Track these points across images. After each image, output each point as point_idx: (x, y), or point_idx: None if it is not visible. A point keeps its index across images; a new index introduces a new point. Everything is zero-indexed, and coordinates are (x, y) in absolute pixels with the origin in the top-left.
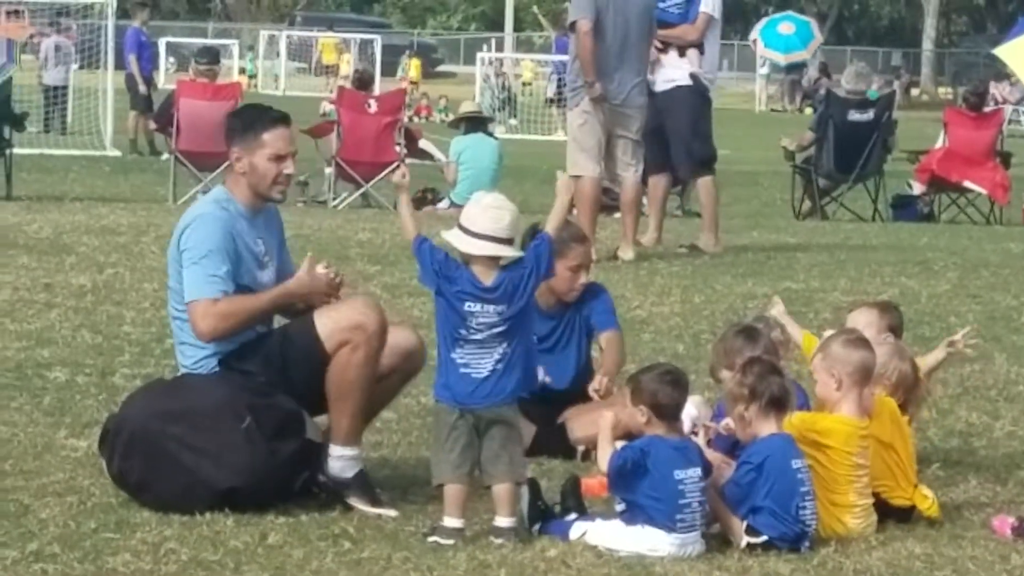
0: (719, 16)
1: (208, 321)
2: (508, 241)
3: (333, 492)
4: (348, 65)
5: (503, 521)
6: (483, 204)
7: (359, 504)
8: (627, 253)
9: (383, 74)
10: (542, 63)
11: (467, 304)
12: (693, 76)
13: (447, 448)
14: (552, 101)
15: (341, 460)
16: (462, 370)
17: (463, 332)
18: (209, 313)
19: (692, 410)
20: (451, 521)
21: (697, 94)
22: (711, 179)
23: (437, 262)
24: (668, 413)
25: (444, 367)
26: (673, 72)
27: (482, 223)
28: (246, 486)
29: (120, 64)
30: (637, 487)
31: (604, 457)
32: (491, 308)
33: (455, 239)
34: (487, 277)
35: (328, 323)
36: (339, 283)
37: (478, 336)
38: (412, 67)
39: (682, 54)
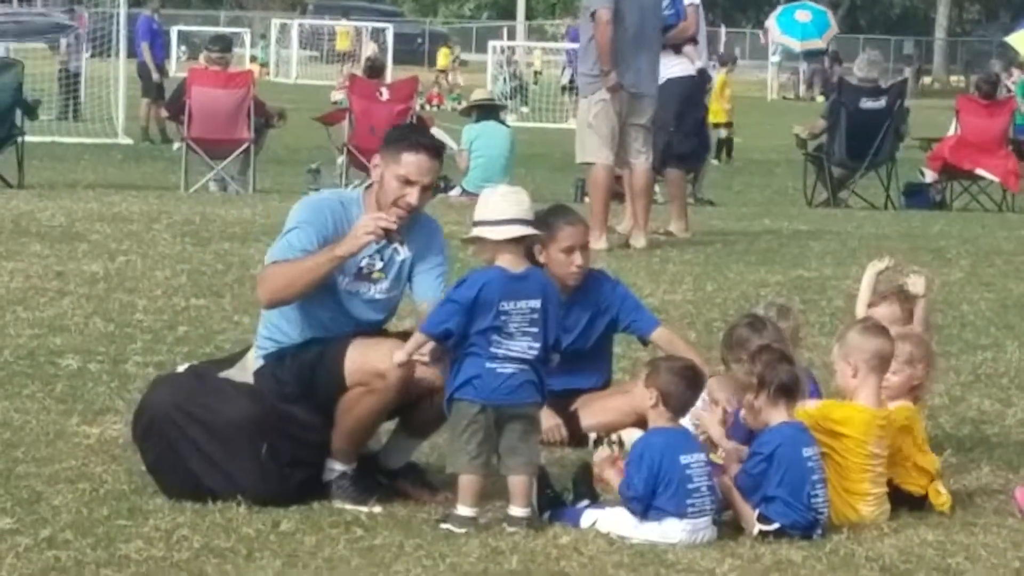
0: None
1: (263, 284)
2: (530, 222)
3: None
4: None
5: (518, 511)
6: (499, 192)
7: (343, 504)
8: (639, 241)
9: (395, 62)
10: (552, 51)
11: (502, 303)
12: (702, 71)
13: (464, 439)
14: (566, 89)
15: (332, 472)
16: (488, 364)
17: (495, 329)
18: (265, 275)
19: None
20: (465, 510)
21: (693, 87)
22: (680, 173)
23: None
24: (675, 406)
25: (465, 367)
26: (668, 70)
27: (505, 209)
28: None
29: (132, 52)
30: (649, 478)
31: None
32: (524, 304)
33: (485, 233)
34: (517, 266)
35: (356, 358)
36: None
37: (510, 331)
38: (441, 55)
39: (677, 51)
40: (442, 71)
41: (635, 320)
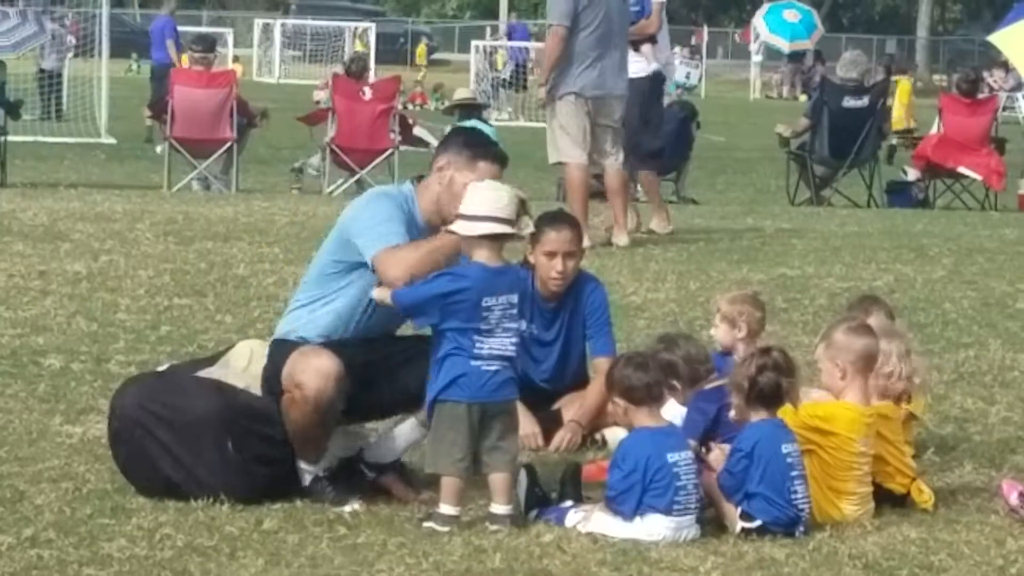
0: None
1: (396, 266)
2: (509, 221)
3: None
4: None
5: (500, 508)
6: (480, 188)
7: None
8: (621, 239)
9: (378, 62)
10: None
11: (485, 299)
12: (657, 72)
13: (450, 440)
14: (508, 83)
15: (305, 474)
16: (473, 363)
17: (477, 328)
18: (390, 259)
19: (670, 410)
20: (448, 509)
21: (649, 88)
22: (652, 173)
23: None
24: (640, 396)
25: (449, 367)
26: (630, 67)
27: (480, 205)
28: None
29: (119, 52)
30: (635, 477)
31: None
32: (504, 299)
33: (459, 228)
34: (495, 261)
35: (289, 364)
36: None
37: (490, 329)
38: (419, 52)
39: (636, 49)
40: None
41: (593, 337)
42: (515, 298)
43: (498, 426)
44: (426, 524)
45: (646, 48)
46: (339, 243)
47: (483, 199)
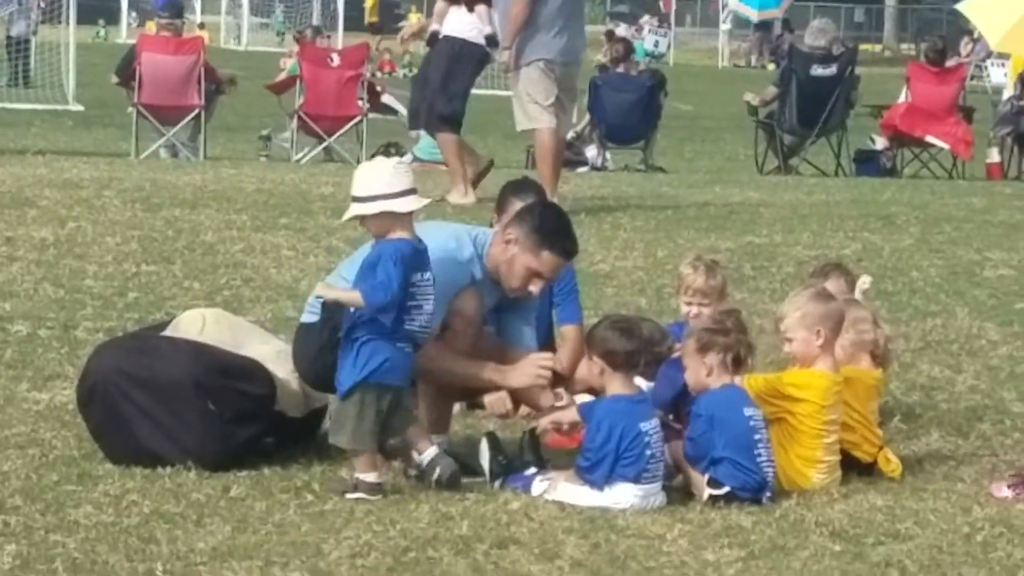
0: None
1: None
2: (402, 193)
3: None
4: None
5: (430, 447)
6: (390, 165)
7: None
8: (464, 198)
9: (345, 29)
10: None
11: (413, 275)
12: (489, 38)
13: (371, 420)
14: None
15: (424, 450)
16: (398, 344)
17: (404, 307)
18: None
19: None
20: (371, 477)
21: (466, 52)
22: (452, 136)
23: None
24: (620, 362)
25: (373, 349)
26: (456, 24)
27: (403, 180)
28: (195, 463)
29: (86, 19)
30: (609, 447)
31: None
32: (428, 275)
33: (391, 206)
34: (413, 235)
35: None
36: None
37: (418, 303)
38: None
39: (471, 9)
40: (415, 35)
41: (560, 305)
42: (429, 275)
43: (403, 405)
44: (352, 496)
45: (481, 8)
46: None
47: (401, 174)
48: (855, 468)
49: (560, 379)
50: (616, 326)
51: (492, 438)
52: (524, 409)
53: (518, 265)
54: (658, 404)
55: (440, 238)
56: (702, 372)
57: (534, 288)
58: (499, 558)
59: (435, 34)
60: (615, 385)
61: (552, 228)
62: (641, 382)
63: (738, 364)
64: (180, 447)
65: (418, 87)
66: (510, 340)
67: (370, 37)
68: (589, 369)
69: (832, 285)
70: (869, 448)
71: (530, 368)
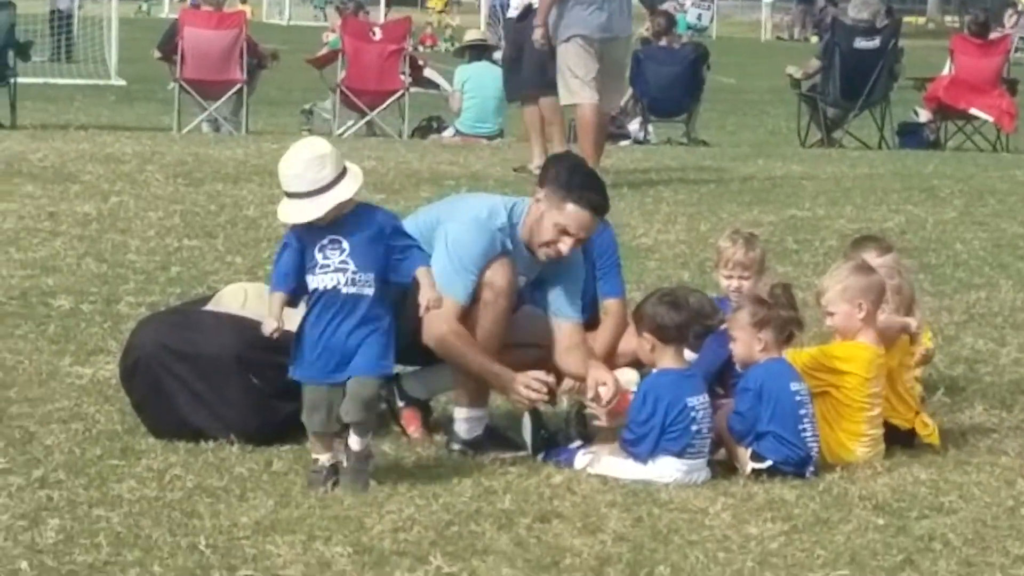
0: None
1: (439, 341)
2: (319, 191)
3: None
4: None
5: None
6: (280, 162)
7: (498, 455)
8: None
9: (388, 3)
10: None
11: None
12: (526, 8)
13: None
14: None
15: (468, 421)
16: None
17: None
18: (443, 332)
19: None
20: (328, 458)
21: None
22: (555, 99)
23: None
24: (671, 336)
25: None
26: None
27: (282, 182)
28: (237, 437)
29: None
30: (655, 421)
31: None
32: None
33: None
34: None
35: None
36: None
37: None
38: None
39: None
40: (442, 10)
41: (603, 279)
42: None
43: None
44: (313, 473)
45: None
46: (425, 234)
47: (287, 178)
48: (896, 439)
49: (607, 353)
50: (664, 300)
51: (534, 412)
52: (567, 383)
53: (546, 222)
54: (704, 377)
55: (473, 207)
56: (755, 347)
57: (563, 247)
58: (541, 532)
59: (528, 7)
60: (666, 360)
61: (575, 181)
62: (688, 355)
63: (789, 340)
64: (222, 421)
65: (516, 60)
66: (556, 313)
67: (418, 11)
68: (640, 346)
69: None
70: (906, 412)
71: (521, 388)
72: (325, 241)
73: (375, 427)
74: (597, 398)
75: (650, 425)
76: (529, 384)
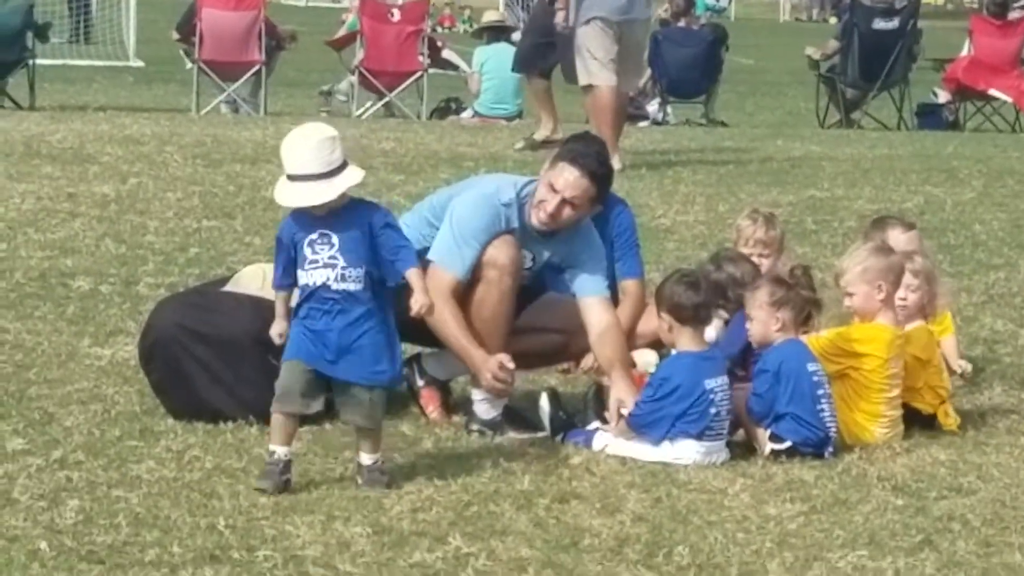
0: None
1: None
2: (331, 172)
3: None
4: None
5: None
6: (284, 144)
7: (517, 435)
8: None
9: None
10: None
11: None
12: None
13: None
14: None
15: (487, 402)
16: None
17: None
18: (440, 288)
19: (711, 333)
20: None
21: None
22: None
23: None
24: (689, 316)
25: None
26: None
27: (288, 164)
28: (256, 418)
29: None
30: (666, 403)
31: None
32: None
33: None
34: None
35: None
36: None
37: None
38: None
39: None
40: None
41: (621, 259)
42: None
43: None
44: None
45: None
46: (438, 211)
47: (288, 157)
48: (916, 422)
49: (626, 334)
50: (682, 280)
51: (552, 393)
52: (587, 361)
53: (542, 183)
54: (728, 353)
55: (483, 184)
56: (772, 326)
57: (549, 205)
58: (560, 512)
59: None
60: (684, 340)
61: (573, 144)
62: (708, 334)
63: (807, 321)
64: (241, 402)
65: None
66: (583, 291)
67: None
68: (659, 326)
69: (896, 238)
70: (932, 399)
71: (488, 376)
72: (315, 236)
73: (381, 440)
74: (613, 416)
75: (662, 411)
76: (496, 375)
